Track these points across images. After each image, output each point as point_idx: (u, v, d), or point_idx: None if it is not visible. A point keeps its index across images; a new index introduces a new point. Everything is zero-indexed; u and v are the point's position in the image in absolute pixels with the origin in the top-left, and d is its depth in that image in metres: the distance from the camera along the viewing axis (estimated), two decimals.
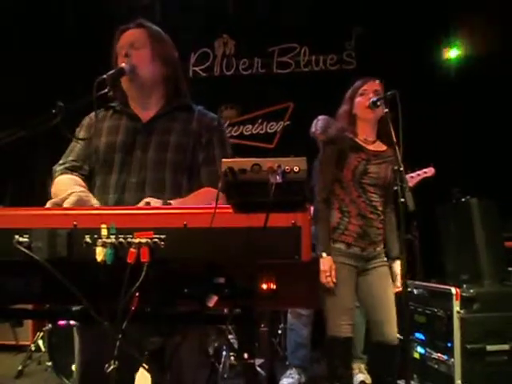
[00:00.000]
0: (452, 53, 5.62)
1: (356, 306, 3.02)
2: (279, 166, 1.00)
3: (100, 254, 1.11)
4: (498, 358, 3.06)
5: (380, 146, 2.95)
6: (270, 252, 1.05)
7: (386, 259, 2.98)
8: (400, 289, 2.86)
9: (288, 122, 5.99)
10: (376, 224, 2.90)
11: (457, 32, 5.60)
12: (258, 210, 1.04)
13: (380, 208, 2.91)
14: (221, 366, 4.06)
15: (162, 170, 1.72)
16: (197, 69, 6.10)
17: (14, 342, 5.08)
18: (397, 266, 2.93)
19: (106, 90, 1.70)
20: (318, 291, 1.19)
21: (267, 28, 5.81)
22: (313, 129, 4.33)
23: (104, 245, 1.11)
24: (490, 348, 3.04)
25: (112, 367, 1.17)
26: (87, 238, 1.13)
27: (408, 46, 5.31)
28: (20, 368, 4.36)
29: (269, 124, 6.04)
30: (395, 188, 2.58)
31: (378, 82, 2.94)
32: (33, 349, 4.50)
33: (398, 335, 2.83)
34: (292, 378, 4.03)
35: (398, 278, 2.90)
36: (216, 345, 4.12)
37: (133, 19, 1.88)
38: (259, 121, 6.04)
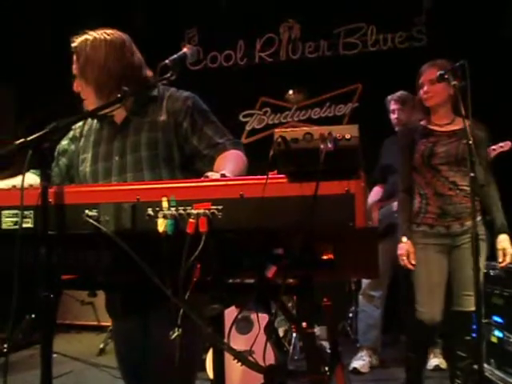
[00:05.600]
0: None
1: None
2: (330, 134, 1.01)
3: (161, 225, 1.17)
4: None
5: (457, 124, 2.95)
6: (325, 219, 1.06)
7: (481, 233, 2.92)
8: (503, 264, 2.92)
9: (357, 104, 5.87)
10: (457, 199, 2.92)
11: None
12: (313, 179, 1.05)
13: (461, 183, 2.90)
14: (291, 347, 4.10)
15: (139, 169, 1.79)
16: (263, 54, 6.10)
17: (95, 323, 5.38)
18: (499, 241, 2.93)
19: (169, 75, 1.75)
20: (377, 261, 1.18)
21: (332, 9, 5.71)
22: (389, 97, 4.20)
23: (165, 216, 1.17)
24: None
25: (176, 334, 1.22)
26: (149, 211, 1.19)
27: (482, 18, 5.05)
28: (101, 346, 4.62)
29: (337, 107, 5.95)
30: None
31: (437, 67, 2.91)
32: None
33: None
34: (363, 360, 3.99)
35: (500, 253, 2.92)
36: (286, 327, 4.17)
37: None
38: (327, 104, 5.96)
